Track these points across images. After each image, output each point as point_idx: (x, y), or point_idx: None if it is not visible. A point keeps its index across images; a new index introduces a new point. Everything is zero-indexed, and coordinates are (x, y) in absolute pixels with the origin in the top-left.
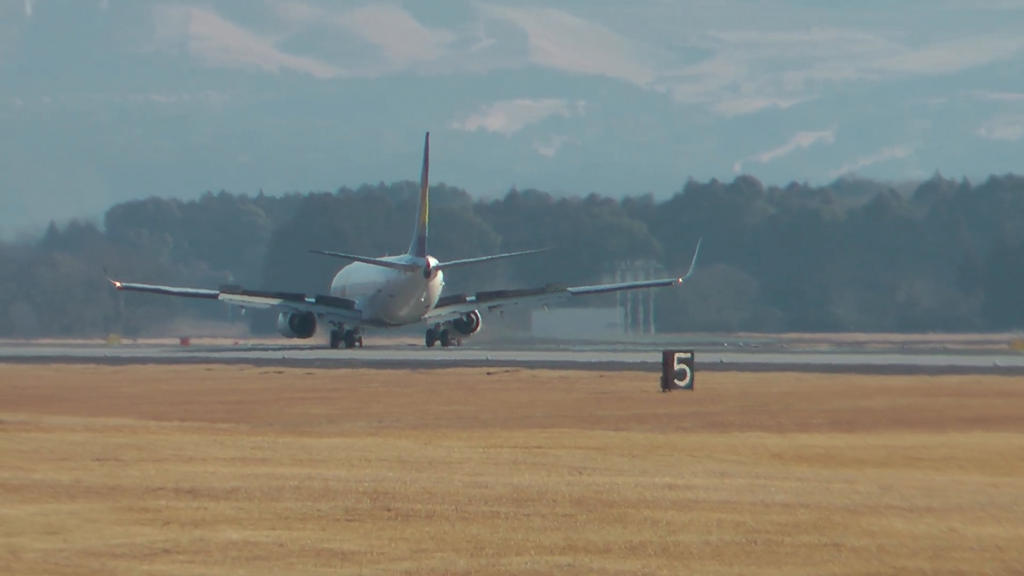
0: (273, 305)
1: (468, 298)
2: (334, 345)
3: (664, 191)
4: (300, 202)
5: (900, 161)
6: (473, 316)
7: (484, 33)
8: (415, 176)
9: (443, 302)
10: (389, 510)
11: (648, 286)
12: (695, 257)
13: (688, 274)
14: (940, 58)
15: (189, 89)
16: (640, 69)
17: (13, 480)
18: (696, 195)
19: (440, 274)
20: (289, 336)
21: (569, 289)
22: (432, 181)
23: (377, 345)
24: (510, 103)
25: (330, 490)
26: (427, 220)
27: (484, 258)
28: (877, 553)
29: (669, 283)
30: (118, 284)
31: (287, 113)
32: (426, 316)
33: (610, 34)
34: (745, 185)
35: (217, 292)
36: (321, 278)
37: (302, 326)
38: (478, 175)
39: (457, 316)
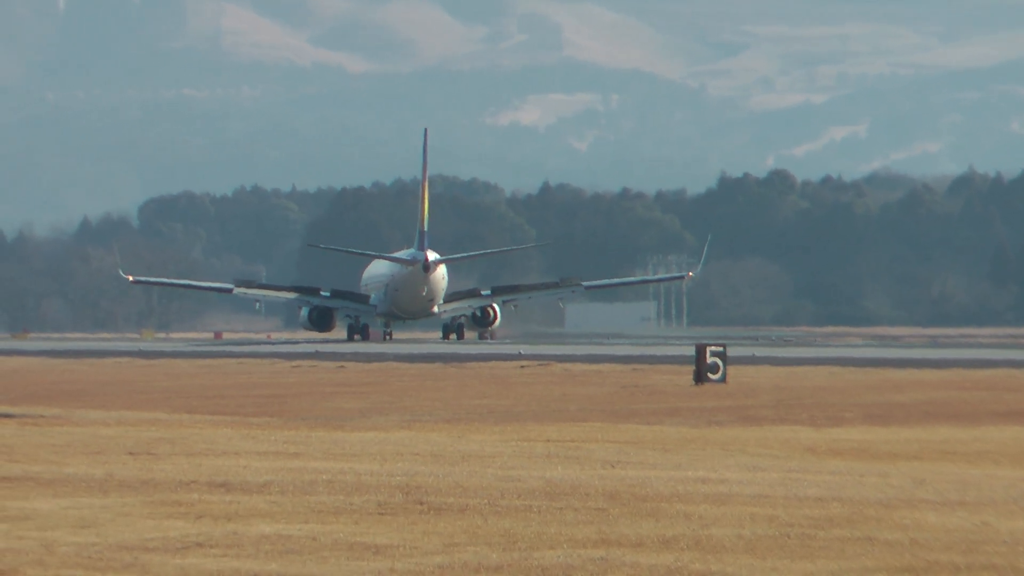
0: (289, 299)
1: (483, 292)
2: (350, 338)
3: (697, 185)
4: (333, 196)
5: (932, 155)
6: (490, 310)
7: (517, 28)
8: (447, 170)
9: (458, 296)
10: (422, 504)
11: (660, 280)
12: (704, 254)
13: (698, 269)
14: (972, 53)
15: (222, 84)
16: (673, 63)
17: (46, 474)
18: (729, 189)
19: (443, 268)
20: (309, 330)
21: (583, 283)
22: (464, 175)
23: (408, 339)
24: (543, 97)
25: (363, 484)
26: (427, 215)
27: (481, 252)
28: (910, 547)
29: (681, 277)
30: (131, 278)
31: (320, 108)
32: (436, 310)
33: (643, 28)
34: (778, 179)
35: (232, 286)
36: (353, 272)
37: (320, 320)
38: (511, 169)
39: (472, 310)
